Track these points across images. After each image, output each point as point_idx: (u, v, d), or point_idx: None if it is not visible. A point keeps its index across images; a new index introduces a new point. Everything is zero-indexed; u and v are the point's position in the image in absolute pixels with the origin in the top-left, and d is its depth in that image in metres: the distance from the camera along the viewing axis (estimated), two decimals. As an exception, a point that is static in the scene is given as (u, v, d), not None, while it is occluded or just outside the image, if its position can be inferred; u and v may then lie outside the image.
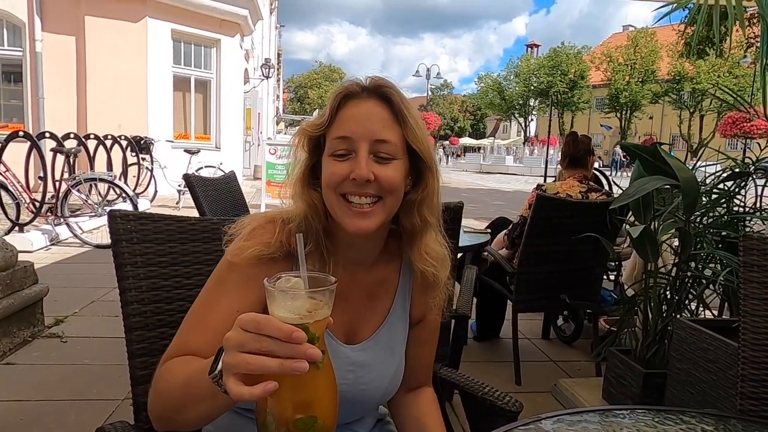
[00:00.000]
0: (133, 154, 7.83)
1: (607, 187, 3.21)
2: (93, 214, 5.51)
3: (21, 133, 5.06)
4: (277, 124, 25.85)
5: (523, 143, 47.57)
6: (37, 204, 5.21)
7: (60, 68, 9.04)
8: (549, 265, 2.62)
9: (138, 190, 7.51)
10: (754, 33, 15.47)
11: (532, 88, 47.11)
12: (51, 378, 2.41)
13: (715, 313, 2.66)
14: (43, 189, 5.22)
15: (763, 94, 2.32)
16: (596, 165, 3.07)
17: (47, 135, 5.67)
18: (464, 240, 2.45)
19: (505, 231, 2.91)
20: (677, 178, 1.86)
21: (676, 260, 2.12)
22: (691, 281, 2.15)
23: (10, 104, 9.48)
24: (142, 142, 8.08)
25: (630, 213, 2.29)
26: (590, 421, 0.77)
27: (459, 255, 2.54)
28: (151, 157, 8.22)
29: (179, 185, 7.70)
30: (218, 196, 2.75)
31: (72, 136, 6.30)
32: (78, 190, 5.29)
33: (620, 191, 2.07)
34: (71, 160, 5.49)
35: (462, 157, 45.23)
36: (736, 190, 2.19)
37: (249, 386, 0.54)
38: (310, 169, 0.85)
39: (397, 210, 0.84)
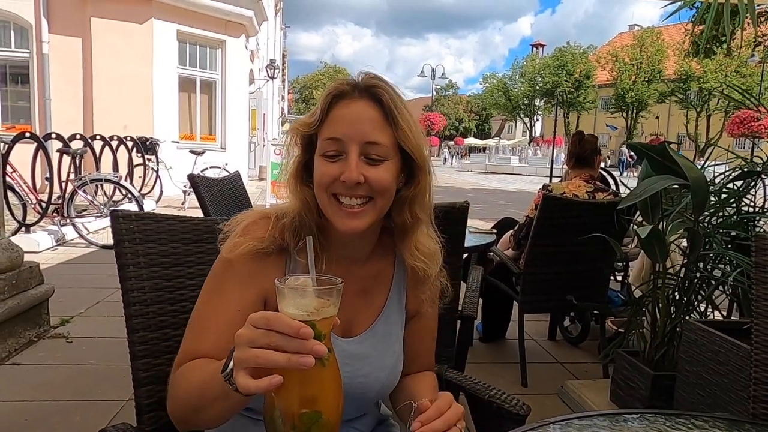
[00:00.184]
0: (139, 154, 7.86)
1: (613, 187, 3.18)
2: (99, 214, 5.53)
3: (27, 134, 5.08)
4: (282, 124, 25.89)
5: (529, 143, 47.46)
6: (44, 205, 5.24)
7: (66, 70, 9.09)
8: (556, 266, 2.60)
9: (144, 191, 7.54)
10: (761, 31, 15.35)
11: (538, 88, 46.97)
12: (56, 378, 2.42)
13: (724, 314, 2.62)
14: (50, 190, 5.24)
15: (772, 93, 2.29)
16: (602, 165, 3.04)
17: (53, 136, 5.70)
18: (470, 240, 2.43)
19: (511, 231, 2.89)
20: (686, 177, 1.84)
21: (685, 261, 2.09)
22: (700, 282, 2.12)
23: (17, 105, 9.55)
24: (147, 142, 8.11)
25: (637, 213, 2.26)
26: (599, 426, 0.75)
27: (464, 255, 2.52)
28: (157, 157, 8.25)
29: (185, 186, 7.72)
30: (223, 196, 2.75)
31: (78, 137, 6.33)
32: (84, 191, 5.31)
33: (627, 191, 2.05)
34: (77, 161, 5.52)
35: (467, 158, 45.17)
36: (746, 189, 2.16)
37: (256, 380, 0.57)
38: (303, 166, 0.86)
39: (390, 206, 0.85)
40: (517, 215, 3.32)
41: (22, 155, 5.21)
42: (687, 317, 2.00)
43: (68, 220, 5.29)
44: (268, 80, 16.63)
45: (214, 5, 10.05)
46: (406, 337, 0.98)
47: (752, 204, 2.20)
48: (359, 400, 0.91)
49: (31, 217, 5.28)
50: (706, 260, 2.12)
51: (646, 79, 40.12)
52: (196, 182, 2.54)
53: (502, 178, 24.42)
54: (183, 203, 8.06)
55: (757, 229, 2.16)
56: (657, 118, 42.06)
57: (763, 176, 2.15)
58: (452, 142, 59.37)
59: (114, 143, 7.28)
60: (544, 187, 2.76)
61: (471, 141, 60.79)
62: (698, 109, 37.47)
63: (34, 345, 2.76)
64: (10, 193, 5.03)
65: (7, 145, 4.85)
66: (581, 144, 2.76)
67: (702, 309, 2.17)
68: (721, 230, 2.15)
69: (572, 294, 2.61)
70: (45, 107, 9.04)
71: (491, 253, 2.90)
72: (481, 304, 3.00)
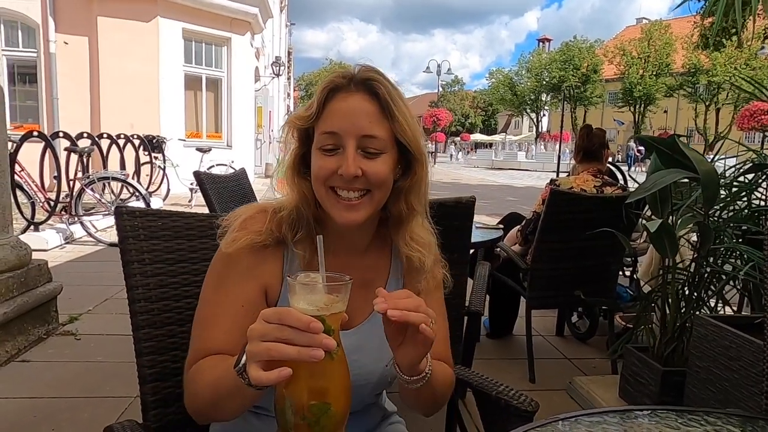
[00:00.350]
0: (146, 153, 7.90)
1: (622, 182, 3.15)
2: (106, 212, 5.56)
3: (35, 133, 5.11)
4: (288, 122, 25.83)
5: (535, 139, 47.23)
6: (52, 203, 5.27)
7: (73, 69, 9.13)
8: (563, 261, 2.58)
9: (151, 189, 7.58)
10: (772, 24, 15.14)
11: (544, 83, 46.67)
12: (65, 375, 2.43)
13: (735, 309, 2.59)
14: (58, 188, 5.28)
15: (784, 84, 2.25)
16: (609, 160, 3.01)
17: (61, 135, 5.72)
18: (476, 236, 2.41)
19: (518, 227, 2.87)
20: (696, 170, 1.81)
21: (695, 255, 2.07)
22: (710, 277, 2.09)
23: (25, 105, 9.61)
24: (154, 141, 8.14)
25: (646, 207, 2.24)
26: (610, 422, 0.74)
27: (471, 251, 2.50)
28: (164, 155, 8.28)
29: (191, 183, 7.74)
30: (229, 193, 2.75)
31: (85, 135, 6.36)
32: (92, 189, 5.34)
33: (636, 185, 2.02)
34: (85, 160, 5.54)
35: (473, 153, 45.02)
36: (757, 182, 2.13)
37: (266, 372, 0.60)
38: (301, 159, 0.86)
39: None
40: (524, 211, 3.30)
41: (30, 154, 5.24)
42: (697, 312, 1.97)
43: (76, 219, 5.32)
44: (273, 77, 16.64)
45: (220, 3, 10.06)
46: None
47: (764, 197, 2.17)
48: (358, 391, 0.91)
49: (40, 215, 5.31)
50: (717, 255, 2.09)
51: (654, 73, 39.75)
52: (201, 179, 2.54)
53: (508, 174, 24.33)
54: (190, 201, 8.08)
55: (769, 223, 2.12)
56: (665, 112, 41.70)
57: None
58: (458, 138, 59.21)
59: (121, 141, 7.32)
60: (552, 181, 2.74)
61: (477, 137, 60.58)
62: (707, 103, 37.08)
63: (43, 342, 2.78)
64: (18, 192, 5.06)
65: (15, 144, 4.89)
66: (589, 138, 2.74)
67: (712, 304, 2.14)
68: (732, 224, 2.12)
69: (580, 289, 2.58)
70: (53, 106, 9.09)
71: (498, 249, 2.88)
72: (487, 300, 2.99)
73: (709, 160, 1.95)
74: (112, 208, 5.53)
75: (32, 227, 5.18)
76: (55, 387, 2.31)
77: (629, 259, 3.21)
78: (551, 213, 2.46)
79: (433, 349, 0.85)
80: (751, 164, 2.11)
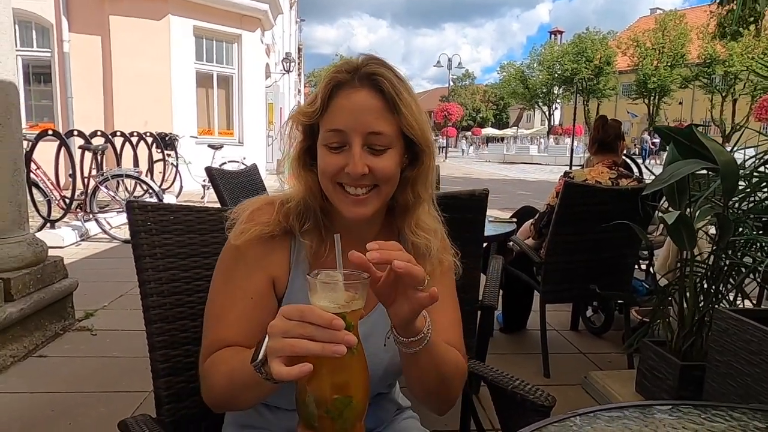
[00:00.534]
0: (159, 150, 7.96)
1: (637, 173, 3.09)
2: (121, 209, 5.61)
3: (50, 132, 5.17)
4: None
5: (547, 133, 46.79)
6: (67, 201, 5.34)
7: (87, 68, 9.23)
8: (578, 255, 2.54)
9: (164, 186, 7.64)
10: (791, 11, 14.80)
11: (556, 75, 46.11)
12: (81, 370, 2.46)
13: (754, 302, 2.54)
14: (72, 186, 5.34)
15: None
16: (624, 152, 2.96)
17: (75, 133, 5.79)
18: (489, 230, 2.39)
19: (531, 220, 2.84)
20: (715, 161, 1.77)
21: (714, 248, 2.02)
22: (729, 269, 2.05)
23: (40, 104, 9.74)
24: (167, 138, 8.20)
25: (663, 199, 2.20)
26: (630, 418, 0.72)
27: (484, 245, 2.48)
28: (176, 153, 8.34)
29: (204, 180, 7.79)
30: (240, 188, 2.76)
31: (99, 133, 6.43)
32: (106, 187, 5.39)
33: (652, 177, 1.98)
34: (99, 158, 5.60)
35: (484, 147, 44.74)
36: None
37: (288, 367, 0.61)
38: (306, 151, 0.85)
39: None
40: (537, 205, 3.26)
41: (45, 153, 5.31)
42: (716, 306, 1.93)
43: (91, 216, 5.38)
44: (284, 74, 16.66)
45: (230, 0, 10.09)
46: None
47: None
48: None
49: (56, 213, 5.38)
50: (736, 247, 2.05)
51: (669, 64, 39.03)
52: (213, 175, 2.55)
53: (520, 168, 24.14)
54: (203, 197, 8.14)
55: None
56: (680, 103, 41.00)
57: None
58: (469, 133, 58.88)
59: (134, 139, 7.38)
60: (566, 174, 2.70)
61: (488, 131, 60.21)
62: (723, 94, 36.38)
63: (59, 337, 2.82)
64: (35, 190, 5.13)
65: (30, 143, 4.95)
66: (604, 129, 2.69)
67: (731, 297, 2.10)
68: (752, 215, 2.08)
69: (595, 283, 2.55)
70: (67, 105, 9.20)
71: (511, 243, 2.86)
72: (500, 295, 2.96)
73: (729, 150, 1.91)
74: (126, 205, 5.62)
75: (48, 225, 5.25)
76: (72, 382, 2.34)
77: (645, 253, 3.15)
78: (565, 206, 2.43)
79: (444, 335, 0.84)
80: (772, 154, 2.06)
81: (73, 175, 5.42)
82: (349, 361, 0.64)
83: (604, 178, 2.61)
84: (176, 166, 8.30)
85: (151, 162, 7.80)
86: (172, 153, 8.28)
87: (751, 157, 2.11)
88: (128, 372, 2.42)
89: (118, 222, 5.64)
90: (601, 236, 2.45)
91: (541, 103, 51.17)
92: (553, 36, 63.43)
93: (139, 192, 6.53)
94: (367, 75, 0.79)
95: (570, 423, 0.71)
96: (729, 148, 2.10)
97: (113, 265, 4.38)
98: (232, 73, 11.01)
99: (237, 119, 11.21)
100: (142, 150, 7.59)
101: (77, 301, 3.07)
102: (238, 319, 0.83)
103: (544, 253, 2.56)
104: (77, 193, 5.40)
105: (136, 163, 7.08)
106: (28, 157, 4.90)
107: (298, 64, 24.58)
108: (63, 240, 4.97)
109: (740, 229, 2.03)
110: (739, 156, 2.11)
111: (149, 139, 7.82)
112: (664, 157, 2.22)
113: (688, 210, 1.99)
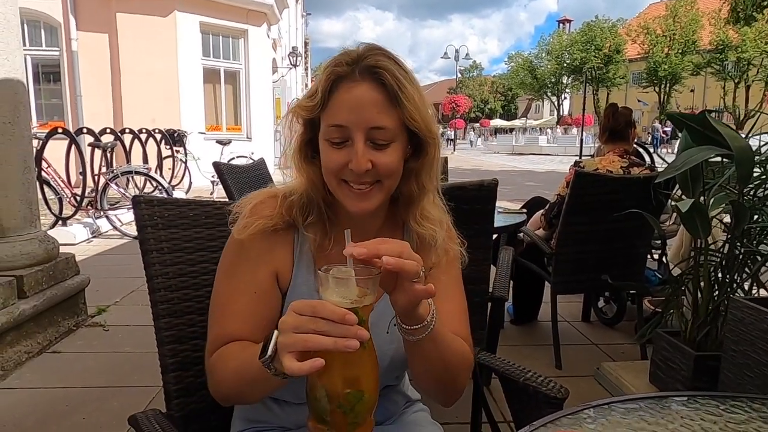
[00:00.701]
0: (168, 146, 8.00)
1: (649, 162, 3.05)
2: (131, 206, 5.65)
3: (60, 130, 5.21)
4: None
5: (556, 123, 46.37)
6: (78, 198, 5.38)
7: (95, 66, 9.28)
8: (589, 245, 2.51)
9: (173, 182, 7.68)
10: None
11: (565, 65, 45.65)
12: (94, 366, 2.48)
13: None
14: (83, 183, 5.38)
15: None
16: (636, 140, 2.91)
17: (85, 131, 5.82)
18: (499, 221, 2.37)
19: (541, 211, 2.81)
20: (729, 147, 1.73)
21: (728, 236, 1.98)
22: (744, 258, 2.01)
23: (50, 103, 9.81)
24: (175, 134, 8.23)
25: (676, 187, 2.16)
26: (646, 410, 0.70)
27: (494, 236, 2.46)
28: (185, 149, 8.38)
29: (212, 176, 7.82)
30: (249, 182, 2.76)
31: (108, 131, 6.46)
32: (116, 184, 5.43)
33: (665, 165, 1.94)
34: (108, 155, 5.64)
35: (492, 139, 44.46)
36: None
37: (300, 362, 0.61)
38: (307, 143, 0.84)
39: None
40: (546, 196, 3.22)
41: (56, 151, 5.35)
42: (732, 295, 1.90)
43: (102, 213, 5.42)
44: (290, 68, 16.65)
45: (235, -6, 10.09)
46: None
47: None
48: None
49: (67, 210, 5.43)
50: (752, 235, 2.01)
51: (680, 51, 38.44)
52: (221, 169, 2.55)
53: (529, 159, 23.97)
54: (212, 193, 8.17)
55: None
56: (692, 91, 40.37)
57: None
58: (477, 124, 58.54)
59: (143, 136, 7.43)
60: (576, 163, 2.66)
61: (497, 122, 59.79)
62: (736, 80, 35.77)
63: (72, 333, 2.85)
64: (46, 188, 5.18)
65: (41, 142, 4.99)
66: (615, 117, 2.65)
67: (746, 287, 2.06)
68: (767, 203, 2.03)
69: (607, 273, 2.52)
70: (76, 103, 9.26)
71: (521, 234, 2.83)
72: (511, 286, 2.94)
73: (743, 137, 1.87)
74: (136, 202, 5.65)
75: (60, 222, 5.30)
76: (85, 377, 2.36)
77: (658, 242, 3.11)
78: (576, 195, 2.39)
79: (449, 325, 0.83)
80: (788, 140, 2.01)
81: (83, 173, 5.46)
82: (361, 355, 0.64)
83: (615, 167, 2.57)
84: (185, 163, 8.34)
85: (160, 158, 7.85)
86: (181, 149, 8.32)
87: (766, 143, 2.06)
88: (140, 367, 2.44)
89: (128, 219, 5.68)
90: (612, 226, 2.42)
91: (549, 94, 50.73)
92: (561, 25, 62.71)
93: (148, 189, 6.57)
94: (368, 68, 0.77)
95: (584, 415, 0.70)
96: (743, 135, 2.06)
97: (124, 261, 4.41)
98: (239, 69, 11.01)
99: (245, 114, 11.23)
100: (151, 147, 7.63)
101: (89, 297, 3.09)
102: (242, 314, 0.83)
103: (555, 244, 2.54)
104: (88, 190, 5.44)
105: (145, 160, 7.12)
106: (39, 155, 4.94)
107: (305, 58, 24.55)
108: (75, 237, 5.01)
109: (755, 217, 1.99)
110: (753, 142, 2.07)
111: (158, 136, 7.85)
112: (676, 145, 2.18)
113: (702, 198, 1.95)
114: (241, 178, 2.73)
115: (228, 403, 0.86)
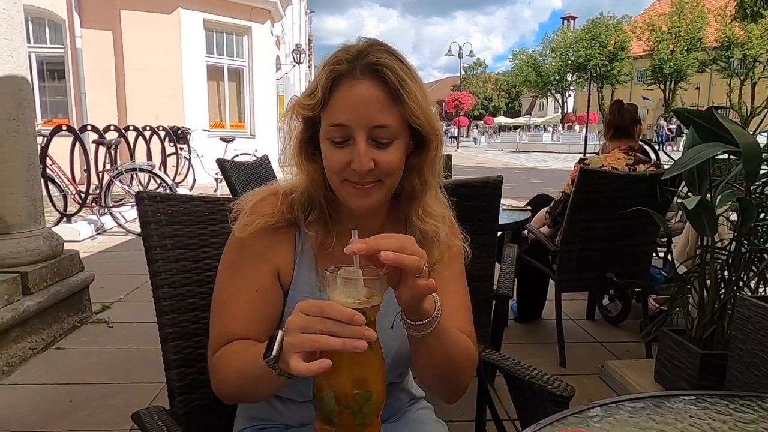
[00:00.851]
0: (171, 144, 8.00)
1: (654, 159, 3.03)
2: (135, 203, 5.66)
3: (64, 128, 5.22)
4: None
5: (560, 121, 46.20)
6: (83, 195, 5.39)
7: (99, 63, 9.30)
8: (594, 243, 2.50)
9: (177, 179, 7.68)
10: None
11: (569, 62, 45.42)
12: (98, 362, 2.49)
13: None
14: (87, 180, 5.39)
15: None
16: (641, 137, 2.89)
17: (89, 128, 5.83)
18: (503, 218, 2.35)
19: (546, 208, 2.80)
20: (736, 144, 1.71)
21: (735, 234, 1.97)
22: (751, 256, 1.99)
23: (55, 101, 9.85)
24: (179, 132, 8.23)
25: (682, 185, 2.14)
26: (654, 409, 0.70)
27: (498, 233, 2.45)
28: (189, 146, 8.37)
29: (216, 173, 7.82)
30: (252, 179, 2.75)
31: (112, 128, 6.47)
32: (120, 181, 5.44)
33: (671, 162, 1.93)
34: (112, 152, 5.64)
35: (496, 136, 44.35)
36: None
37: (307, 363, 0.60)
38: (308, 140, 0.83)
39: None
40: (551, 193, 3.21)
41: (60, 148, 5.36)
42: (738, 293, 1.88)
43: (106, 210, 5.43)
44: (294, 66, 16.63)
45: (239, -9, 10.09)
46: None
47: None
48: None
49: (72, 207, 5.44)
50: (759, 233, 1.99)
51: (685, 48, 38.20)
52: (225, 166, 2.54)
53: (533, 157, 23.89)
54: (215, 190, 8.18)
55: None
56: (697, 88, 40.12)
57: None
58: (481, 122, 58.41)
59: (147, 133, 7.42)
60: (581, 160, 2.65)
61: (501, 120, 59.61)
62: (742, 78, 35.52)
63: (77, 330, 2.85)
64: (51, 185, 5.19)
65: (45, 139, 5.00)
66: (620, 114, 2.63)
67: (753, 285, 2.04)
68: (775, 200, 2.01)
69: (612, 271, 2.51)
70: (81, 101, 9.28)
71: (526, 231, 2.81)
72: (515, 284, 2.93)
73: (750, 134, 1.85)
74: (140, 199, 5.66)
75: (65, 219, 5.31)
76: (90, 373, 2.36)
77: (664, 240, 3.09)
78: (581, 193, 2.38)
79: (453, 321, 0.82)
80: (796, 136, 1.99)
81: (87, 170, 5.47)
82: (369, 356, 0.63)
83: (620, 164, 2.55)
84: (189, 160, 8.34)
85: (164, 156, 7.85)
86: (185, 146, 8.32)
87: (773, 140, 2.04)
88: (144, 363, 2.44)
89: (132, 215, 5.69)
90: (617, 223, 2.40)
91: (554, 91, 50.48)
92: (566, 22, 62.39)
93: (152, 186, 6.57)
94: (369, 65, 0.75)
95: (591, 414, 0.69)
96: (754, 131, 2.04)
97: (129, 258, 4.42)
98: (242, 66, 11.01)
99: (248, 112, 11.23)
100: (155, 144, 7.63)
101: (94, 294, 3.10)
102: (244, 312, 0.83)
103: (560, 242, 2.52)
104: (92, 187, 5.45)
105: (149, 157, 7.13)
106: (44, 152, 4.95)
107: (309, 55, 24.52)
108: (79, 234, 5.03)
109: (763, 215, 1.98)
110: (761, 139, 2.05)
111: (162, 133, 7.86)
112: (682, 143, 2.16)
113: (708, 195, 1.94)
114: (244, 175, 2.73)
115: (231, 402, 0.85)
